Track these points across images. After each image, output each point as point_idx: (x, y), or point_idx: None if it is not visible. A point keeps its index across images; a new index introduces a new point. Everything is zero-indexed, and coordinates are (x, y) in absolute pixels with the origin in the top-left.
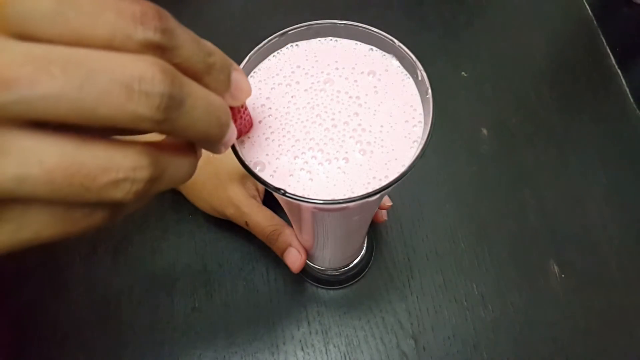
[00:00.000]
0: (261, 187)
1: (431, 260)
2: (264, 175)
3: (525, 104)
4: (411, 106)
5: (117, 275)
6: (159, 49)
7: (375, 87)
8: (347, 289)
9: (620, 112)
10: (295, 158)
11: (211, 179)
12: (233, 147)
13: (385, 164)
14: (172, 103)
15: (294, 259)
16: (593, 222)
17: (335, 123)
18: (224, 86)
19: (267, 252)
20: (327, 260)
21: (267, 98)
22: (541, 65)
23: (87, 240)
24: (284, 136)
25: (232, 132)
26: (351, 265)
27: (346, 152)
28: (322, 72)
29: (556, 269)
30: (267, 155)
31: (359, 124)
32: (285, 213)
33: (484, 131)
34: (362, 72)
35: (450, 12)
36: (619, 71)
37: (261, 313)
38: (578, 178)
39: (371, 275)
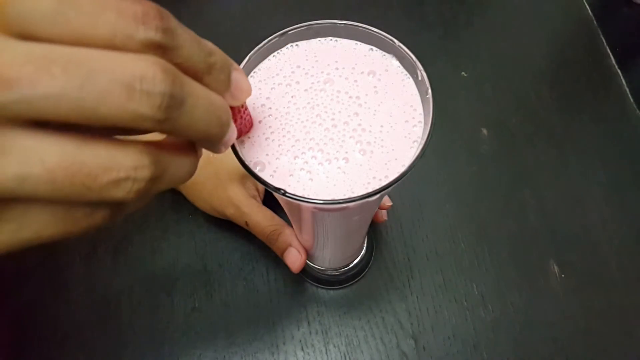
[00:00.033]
0: (261, 187)
1: (431, 260)
2: (264, 175)
3: (525, 104)
4: (411, 106)
5: (117, 275)
6: (160, 49)
7: (375, 87)
8: (347, 289)
9: (620, 112)
10: (295, 158)
11: (211, 179)
12: (233, 147)
13: (385, 164)
14: (173, 102)
15: (294, 259)
16: (593, 222)
17: (335, 123)
18: (224, 86)
19: (267, 252)
20: (327, 260)
21: (267, 98)
22: (541, 65)
23: (87, 240)
24: (284, 136)
25: (233, 131)
26: (351, 265)
27: (346, 152)
28: (322, 72)
29: (556, 269)
30: (267, 155)
31: (359, 124)
32: (285, 213)
33: (484, 131)
34: (362, 72)
35: (450, 12)
36: (619, 71)
37: (261, 313)
38: (578, 178)
39: (371, 275)
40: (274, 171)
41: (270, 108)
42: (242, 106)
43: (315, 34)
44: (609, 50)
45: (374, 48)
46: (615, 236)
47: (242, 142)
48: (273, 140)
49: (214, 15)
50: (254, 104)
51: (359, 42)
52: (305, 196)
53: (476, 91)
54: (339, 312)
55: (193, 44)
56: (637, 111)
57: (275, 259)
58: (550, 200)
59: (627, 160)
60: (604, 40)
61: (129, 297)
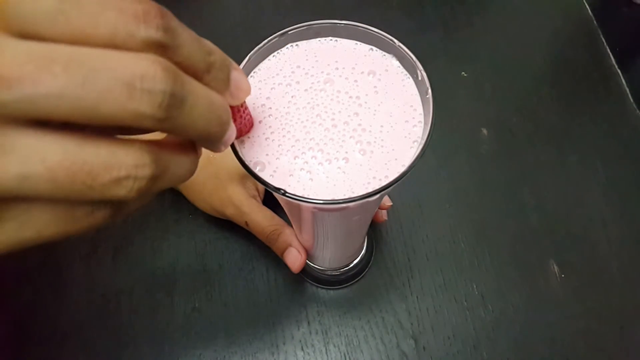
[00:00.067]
0: (261, 187)
1: (431, 260)
2: (264, 175)
3: (525, 104)
4: (411, 106)
5: (117, 275)
6: (161, 48)
7: (375, 87)
8: (347, 289)
9: (620, 112)
10: (295, 158)
11: (211, 179)
12: (233, 147)
13: (385, 164)
14: (174, 101)
15: (294, 259)
16: (593, 222)
17: (335, 123)
18: (223, 85)
19: (267, 252)
20: (327, 260)
21: (267, 98)
22: (541, 65)
23: (87, 240)
24: (284, 136)
25: (232, 130)
26: (351, 265)
27: (346, 152)
28: (322, 72)
29: (556, 269)
30: (267, 155)
31: (359, 124)
32: (285, 213)
33: (484, 131)
34: (362, 72)
35: (450, 12)
36: (619, 71)
37: (261, 313)
38: (578, 178)
39: (371, 275)
40: (274, 171)
41: (270, 108)
42: (242, 106)
43: (315, 34)
44: (609, 50)
45: (374, 48)
46: (615, 236)
47: (242, 142)
48: (273, 140)
49: (214, 15)
50: (254, 104)
51: (359, 42)
52: (305, 196)
53: (476, 91)
54: (339, 312)
55: (193, 43)
56: (637, 111)
57: (275, 259)
58: (550, 200)
59: (627, 160)
60: (604, 40)
61: (129, 297)
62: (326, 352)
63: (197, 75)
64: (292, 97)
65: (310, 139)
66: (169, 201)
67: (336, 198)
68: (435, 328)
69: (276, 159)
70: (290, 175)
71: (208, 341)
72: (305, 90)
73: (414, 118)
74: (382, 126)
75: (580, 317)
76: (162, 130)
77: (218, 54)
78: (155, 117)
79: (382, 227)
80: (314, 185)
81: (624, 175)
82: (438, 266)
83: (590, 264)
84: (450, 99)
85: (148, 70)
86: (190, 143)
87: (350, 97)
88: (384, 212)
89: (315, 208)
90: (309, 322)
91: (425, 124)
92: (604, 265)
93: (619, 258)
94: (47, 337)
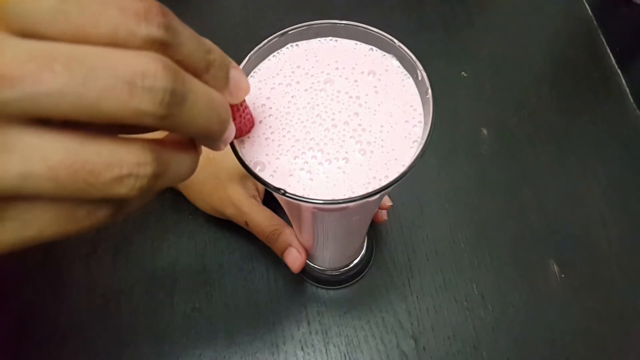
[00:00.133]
0: (261, 187)
1: (431, 260)
2: (264, 175)
3: (525, 104)
4: (411, 106)
5: (117, 275)
6: (162, 46)
7: (375, 87)
8: (347, 289)
9: (620, 112)
10: (295, 158)
11: (211, 179)
12: (233, 147)
13: (385, 164)
14: (175, 99)
15: (294, 259)
16: (593, 222)
17: (336, 123)
18: (222, 83)
19: (267, 252)
20: (327, 260)
21: (267, 98)
22: (541, 65)
23: (87, 240)
24: (284, 136)
25: (232, 129)
26: (351, 265)
27: (346, 152)
28: (322, 72)
29: (556, 269)
30: (267, 155)
31: (359, 124)
32: (285, 213)
33: (484, 131)
34: (362, 72)
35: (450, 12)
36: (619, 71)
37: (261, 313)
38: (578, 178)
39: (371, 275)
40: (274, 171)
41: (271, 108)
42: (242, 105)
43: (315, 34)
44: (609, 50)
45: (374, 48)
46: (615, 236)
47: (242, 142)
48: (273, 140)
49: (214, 15)
50: (254, 103)
51: (359, 42)
52: (305, 196)
53: (476, 91)
54: (339, 312)
55: (193, 42)
56: (637, 111)
57: (275, 259)
58: (550, 200)
59: (627, 160)
60: (604, 40)
61: (129, 297)
62: (326, 352)
63: (196, 74)
64: (292, 97)
65: (310, 139)
66: (169, 201)
67: (336, 198)
68: (435, 328)
69: (276, 159)
70: (290, 175)
71: (208, 341)
72: (305, 90)
73: (414, 118)
74: (382, 126)
75: (580, 317)
76: (163, 128)
77: (217, 53)
78: (157, 115)
79: (382, 227)
80: (314, 185)
81: (624, 175)
82: (438, 266)
83: (590, 264)
84: (450, 99)
85: (149, 68)
86: (190, 141)
87: (350, 97)
88: (384, 212)
89: (315, 208)
90: (309, 322)
91: (425, 124)
92: (604, 265)
93: (619, 258)
94: (47, 337)
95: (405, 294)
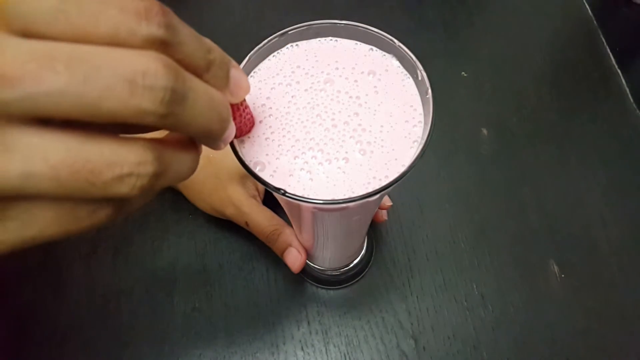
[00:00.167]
0: (261, 187)
1: (431, 260)
2: (264, 175)
3: (525, 104)
4: (411, 106)
5: (117, 275)
6: (163, 45)
7: (375, 87)
8: (347, 289)
9: (620, 112)
10: (295, 158)
11: (211, 179)
12: (233, 147)
13: (385, 164)
14: (176, 97)
15: (294, 259)
16: (593, 222)
17: (336, 123)
18: (223, 82)
19: (267, 252)
20: (327, 260)
21: (267, 98)
22: (541, 65)
23: (87, 240)
24: (284, 136)
25: (232, 128)
26: (351, 265)
27: (346, 152)
28: (322, 72)
29: (556, 269)
30: (267, 155)
31: (359, 124)
32: (285, 213)
33: (484, 131)
34: (362, 72)
35: (450, 12)
36: (619, 71)
37: (261, 313)
38: (578, 178)
39: (371, 275)
40: (274, 171)
41: (271, 108)
42: (242, 104)
43: (315, 34)
44: (609, 50)
45: (374, 48)
46: (615, 236)
47: (242, 142)
48: (273, 140)
49: (214, 15)
50: (254, 103)
51: (359, 42)
52: (305, 196)
53: (476, 91)
54: (339, 312)
55: (193, 41)
56: (637, 111)
57: (275, 259)
58: (550, 200)
59: (627, 160)
60: (604, 40)
61: (129, 297)
62: (326, 352)
63: (197, 73)
64: (292, 97)
65: (310, 139)
66: (169, 201)
67: (336, 198)
68: (435, 328)
69: (276, 159)
70: (290, 175)
71: (208, 341)
72: (306, 90)
73: (414, 118)
74: (382, 126)
75: (580, 317)
76: (164, 127)
77: (217, 52)
78: (157, 114)
79: (382, 227)
80: (314, 185)
81: (624, 175)
82: (438, 266)
83: (590, 264)
84: (450, 99)
85: (149, 67)
86: (191, 141)
87: (350, 97)
88: (384, 212)
89: (315, 208)
90: (309, 322)
91: (425, 124)
92: (604, 265)
93: (619, 258)
94: (47, 337)
95: (405, 294)
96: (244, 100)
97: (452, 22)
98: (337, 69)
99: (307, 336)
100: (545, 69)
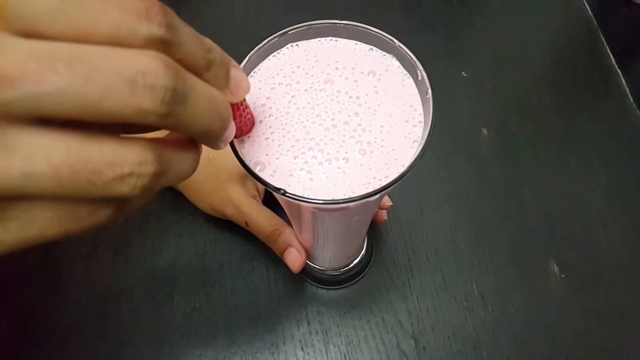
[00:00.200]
0: (261, 187)
1: (431, 260)
2: (264, 175)
3: (525, 104)
4: (411, 106)
5: (117, 275)
6: (163, 44)
7: (375, 87)
8: (347, 289)
9: (620, 112)
10: (295, 158)
11: (211, 179)
12: (233, 147)
13: (385, 164)
14: (176, 97)
15: (294, 259)
16: (593, 222)
17: (336, 123)
18: (223, 82)
19: (267, 252)
20: (327, 260)
21: (268, 98)
22: (541, 65)
23: (87, 240)
24: (284, 136)
25: (232, 127)
26: (351, 265)
27: (346, 152)
28: (322, 72)
29: (556, 269)
30: (267, 155)
31: (359, 124)
32: (285, 213)
33: (484, 131)
34: (362, 72)
35: (450, 12)
36: (619, 71)
37: (261, 313)
38: (578, 178)
39: (371, 275)
40: (274, 171)
41: (271, 108)
42: (242, 104)
43: (315, 34)
44: (609, 50)
45: (374, 48)
46: (615, 236)
47: (242, 142)
48: (273, 140)
49: (214, 15)
50: (254, 103)
51: (359, 42)
52: (305, 196)
53: (476, 91)
54: (339, 312)
55: (194, 41)
56: (637, 111)
57: (275, 259)
58: (550, 200)
59: (627, 160)
60: (604, 40)
61: (129, 297)
62: (326, 352)
63: (197, 72)
64: (292, 97)
65: (310, 139)
66: (169, 201)
67: (336, 198)
68: (435, 328)
69: (276, 159)
70: (290, 175)
71: (208, 341)
72: (306, 90)
73: (414, 118)
74: (382, 126)
75: (580, 317)
76: (164, 127)
77: (218, 52)
78: (158, 113)
79: (382, 227)
80: (314, 185)
81: (624, 175)
82: (438, 266)
83: (590, 264)
84: (450, 99)
85: (150, 67)
86: (191, 140)
87: (350, 97)
88: (384, 212)
89: (315, 208)
90: (309, 322)
91: (425, 124)
92: (604, 265)
93: (619, 258)
94: (47, 337)
95: (405, 294)
96: (244, 100)
97: (452, 22)
98: (337, 69)
99: (307, 336)
100: (545, 69)
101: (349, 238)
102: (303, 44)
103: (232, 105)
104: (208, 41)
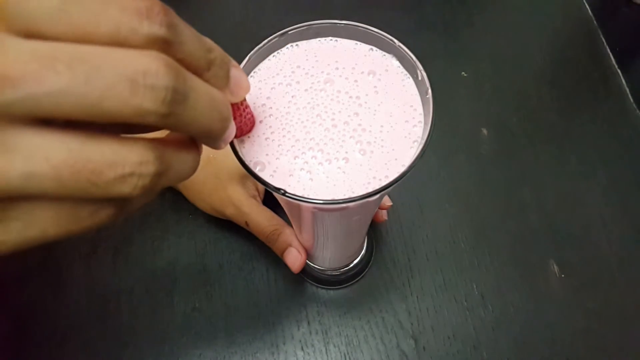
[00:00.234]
0: (261, 187)
1: (431, 260)
2: (264, 175)
3: (525, 104)
4: (411, 106)
5: (117, 275)
6: (164, 44)
7: (375, 87)
8: (347, 289)
9: (620, 112)
10: (295, 158)
11: (211, 179)
12: (233, 147)
13: (385, 164)
14: (177, 97)
15: (294, 259)
16: (593, 222)
17: (336, 123)
18: (223, 82)
19: (267, 252)
20: (327, 260)
21: (268, 98)
22: (541, 65)
23: (87, 240)
24: (284, 136)
25: (232, 127)
26: (351, 265)
27: (346, 152)
28: (322, 72)
29: (556, 269)
30: (267, 155)
31: (359, 124)
32: (285, 213)
33: (484, 131)
34: (362, 72)
35: (450, 12)
36: (619, 71)
37: (261, 313)
38: (578, 178)
39: (371, 275)
40: (274, 171)
41: (271, 108)
42: (242, 104)
43: (315, 34)
44: (609, 50)
45: (374, 48)
46: (615, 236)
47: (242, 142)
48: (273, 140)
49: (214, 15)
50: (254, 103)
51: (359, 42)
52: (305, 196)
53: (476, 91)
54: (339, 312)
55: (194, 40)
56: (637, 111)
57: (275, 259)
58: (550, 200)
59: (627, 160)
60: (604, 40)
61: (129, 297)
62: (326, 352)
63: (197, 72)
64: (292, 97)
65: (310, 139)
66: (169, 201)
67: (336, 198)
68: (435, 328)
69: (276, 159)
70: (290, 175)
71: (208, 341)
72: (306, 90)
73: (414, 118)
74: (382, 126)
75: (581, 317)
76: (165, 127)
77: (218, 52)
78: (159, 113)
79: (382, 227)
80: (314, 185)
81: (624, 175)
82: (438, 266)
83: (590, 264)
84: (450, 99)
85: (151, 67)
86: (192, 140)
87: (350, 97)
88: (384, 212)
89: (315, 208)
90: (309, 322)
91: (425, 124)
92: (604, 265)
93: (619, 258)
94: (47, 337)
95: (405, 294)
96: (245, 99)
97: (452, 22)
98: (337, 69)
99: (307, 336)
100: (545, 69)
101: (349, 238)
102: (303, 44)
103: (233, 105)
104: (208, 41)
